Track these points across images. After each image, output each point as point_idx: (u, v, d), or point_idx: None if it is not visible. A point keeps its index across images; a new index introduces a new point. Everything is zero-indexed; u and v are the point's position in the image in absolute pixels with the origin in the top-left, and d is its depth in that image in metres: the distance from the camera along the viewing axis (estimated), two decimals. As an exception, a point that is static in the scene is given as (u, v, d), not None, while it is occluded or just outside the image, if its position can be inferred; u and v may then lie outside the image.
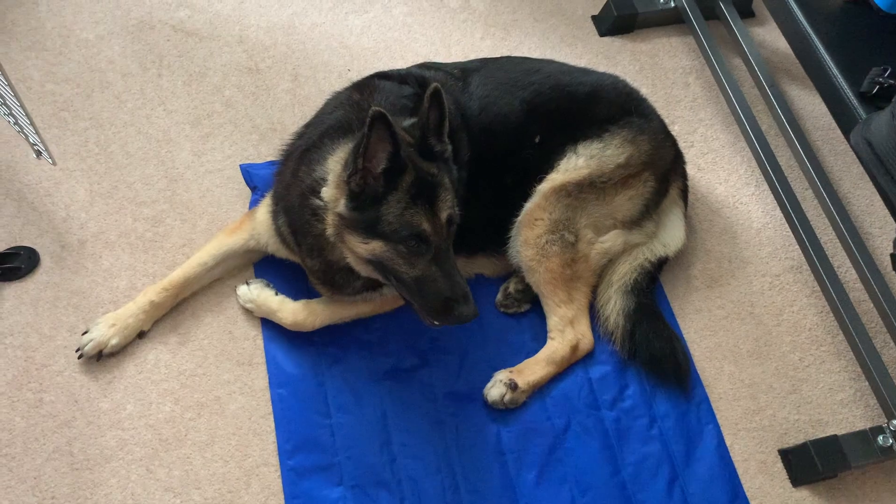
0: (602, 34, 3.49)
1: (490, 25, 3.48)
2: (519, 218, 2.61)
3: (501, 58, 2.83)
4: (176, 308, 2.61)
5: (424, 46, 3.38)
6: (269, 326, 2.64)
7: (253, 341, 2.64)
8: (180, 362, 2.57)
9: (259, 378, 2.57)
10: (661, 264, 2.77)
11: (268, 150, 3.02)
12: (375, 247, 2.16)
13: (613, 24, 3.45)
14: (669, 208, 2.82)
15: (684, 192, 2.87)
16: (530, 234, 2.58)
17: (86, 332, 2.48)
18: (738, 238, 3.03)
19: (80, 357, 2.47)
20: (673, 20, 3.51)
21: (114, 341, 2.47)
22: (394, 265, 2.17)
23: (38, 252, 2.66)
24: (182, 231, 2.81)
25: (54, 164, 2.71)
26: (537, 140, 2.60)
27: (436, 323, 2.24)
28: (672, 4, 3.44)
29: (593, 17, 3.54)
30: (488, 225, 2.62)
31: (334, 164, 2.24)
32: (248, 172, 2.91)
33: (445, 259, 2.18)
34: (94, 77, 3.08)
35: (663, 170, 2.74)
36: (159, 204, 2.85)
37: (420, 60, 3.27)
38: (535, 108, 2.60)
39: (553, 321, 2.63)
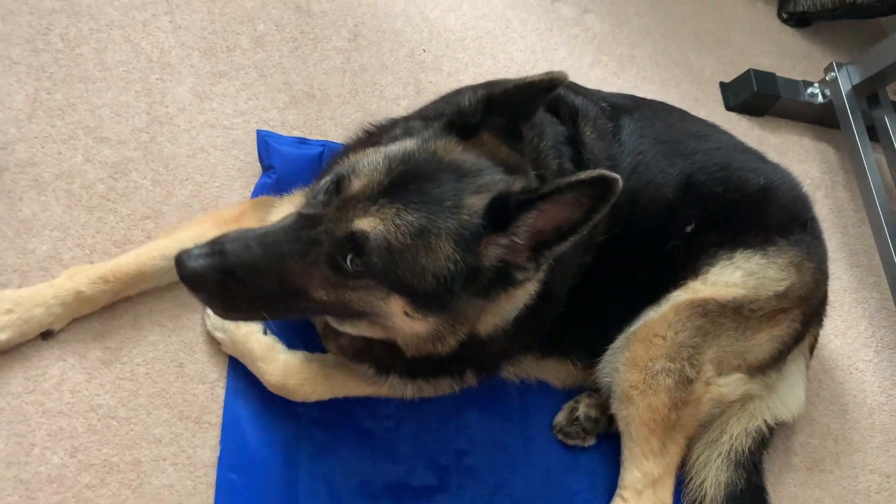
0: (729, 107, 2.83)
1: (603, 52, 2.75)
2: (634, 327, 1.87)
3: (655, 102, 2.09)
4: (111, 308, 1.78)
5: (521, 52, 2.61)
6: (240, 373, 1.80)
7: (210, 388, 1.78)
8: (96, 392, 1.69)
9: (207, 447, 1.72)
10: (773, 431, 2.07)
11: (297, 121, 2.19)
12: None
13: (747, 100, 2.79)
14: (794, 360, 2.14)
15: (813, 345, 2.20)
16: (642, 354, 1.84)
17: (-38, 310, 1.64)
18: (847, 413, 2.37)
19: (-59, 348, 1.62)
20: (812, 118, 2.88)
21: (2, 335, 1.63)
22: None
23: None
24: (151, 196, 1.93)
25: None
26: (689, 229, 1.87)
27: None
28: (820, 101, 2.80)
29: (722, 84, 2.87)
30: (587, 323, 1.87)
31: None
32: (265, 143, 2.05)
33: None
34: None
35: (812, 312, 2.07)
36: (128, 148, 1.97)
37: (514, 66, 2.53)
38: (695, 188, 1.89)
39: (632, 476, 1.89)
